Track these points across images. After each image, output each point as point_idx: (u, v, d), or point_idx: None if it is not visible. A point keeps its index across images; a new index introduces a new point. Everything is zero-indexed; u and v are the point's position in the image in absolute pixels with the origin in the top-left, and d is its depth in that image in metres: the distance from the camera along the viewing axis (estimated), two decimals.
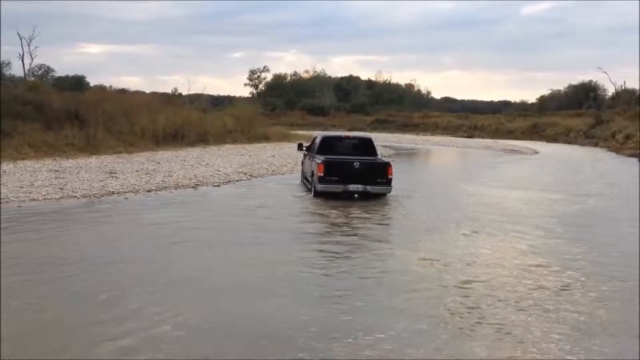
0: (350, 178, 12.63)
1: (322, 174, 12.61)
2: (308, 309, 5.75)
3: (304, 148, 15.66)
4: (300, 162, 16.75)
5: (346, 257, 7.85)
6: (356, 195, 12.65)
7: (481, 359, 4.74)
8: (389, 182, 12.89)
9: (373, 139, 15.13)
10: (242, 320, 5.45)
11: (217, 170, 17.31)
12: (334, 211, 11.32)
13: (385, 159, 14.79)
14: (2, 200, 11.10)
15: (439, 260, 7.71)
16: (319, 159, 13.10)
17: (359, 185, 12.62)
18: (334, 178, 12.61)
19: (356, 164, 12.82)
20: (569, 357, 4.80)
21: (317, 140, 14.67)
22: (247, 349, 4.80)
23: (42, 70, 51.65)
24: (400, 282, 6.77)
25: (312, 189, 13.29)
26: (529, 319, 5.61)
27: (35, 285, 6.29)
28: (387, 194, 13.02)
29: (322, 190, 12.74)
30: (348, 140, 15.18)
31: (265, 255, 7.83)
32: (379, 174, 12.91)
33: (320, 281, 6.75)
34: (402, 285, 6.61)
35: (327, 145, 14.17)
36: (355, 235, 9.30)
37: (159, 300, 5.88)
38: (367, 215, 10.95)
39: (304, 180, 15.21)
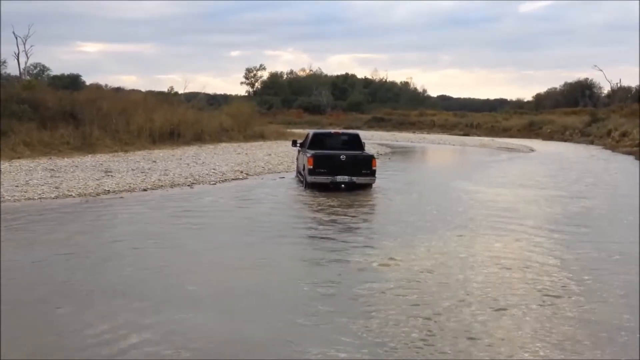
0: (338, 170, 13.53)
1: (311, 167, 13.52)
2: (237, 324, 5.25)
3: (298, 144, 16.40)
4: (296, 158, 17.29)
5: (319, 264, 7.35)
6: (343, 186, 13.43)
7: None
8: (373, 174, 13.82)
9: (362, 136, 16.07)
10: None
11: (214, 169, 17.33)
12: (321, 214, 11.06)
13: (371, 153, 15.61)
14: None
15: (418, 264, 7.28)
16: (309, 153, 13.93)
17: (346, 177, 13.50)
18: (322, 170, 13.50)
19: (343, 157, 13.74)
20: (567, 357, 4.71)
21: (309, 137, 15.51)
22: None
23: (38, 69, 51.51)
24: (374, 289, 6.28)
25: (304, 180, 14.06)
26: (518, 322, 5.45)
27: None
28: (379, 191, 13.51)
29: (312, 182, 13.62)
30: (337, 136, 16.15)
31: (227, 259, 7.49)
32: (364, 166, 13.80)
33: (271, 290, 6.27)
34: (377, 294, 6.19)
35: (318, 141, 15.04)
36: (337, 240, 8.76)
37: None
38: (352, 216, 10.67)
39: (298, 174, 15.73)
